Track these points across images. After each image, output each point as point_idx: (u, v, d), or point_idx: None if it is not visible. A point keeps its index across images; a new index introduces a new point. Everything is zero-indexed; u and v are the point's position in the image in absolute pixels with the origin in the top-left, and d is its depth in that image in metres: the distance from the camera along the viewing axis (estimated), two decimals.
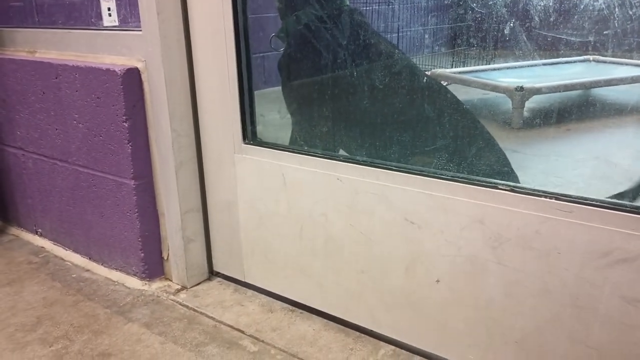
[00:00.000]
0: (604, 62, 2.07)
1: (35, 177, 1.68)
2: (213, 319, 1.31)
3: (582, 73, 2.08)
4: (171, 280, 1.49)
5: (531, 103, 1.93)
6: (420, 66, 1.78)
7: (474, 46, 1.57)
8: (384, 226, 1.12)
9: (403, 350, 1.17)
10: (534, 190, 0.94)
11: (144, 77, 1.33)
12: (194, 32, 1.29)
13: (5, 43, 1.67)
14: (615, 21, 0.96)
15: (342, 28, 1.27)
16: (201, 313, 1.34)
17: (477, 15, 1.17)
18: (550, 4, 1.04)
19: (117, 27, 1.36)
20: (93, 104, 1.40)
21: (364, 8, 1.56)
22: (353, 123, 1.29)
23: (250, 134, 1.30)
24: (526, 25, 1.08)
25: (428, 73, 1.81)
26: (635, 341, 0.88)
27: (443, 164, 1.15)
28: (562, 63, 2.06)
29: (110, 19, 1.36)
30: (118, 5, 1.34)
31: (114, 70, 1.31)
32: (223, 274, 1.50)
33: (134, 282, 1.48)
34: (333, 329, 1.26)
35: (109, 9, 1.35)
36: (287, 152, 1.23)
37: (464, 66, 2.02)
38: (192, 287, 1.46)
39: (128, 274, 1.51)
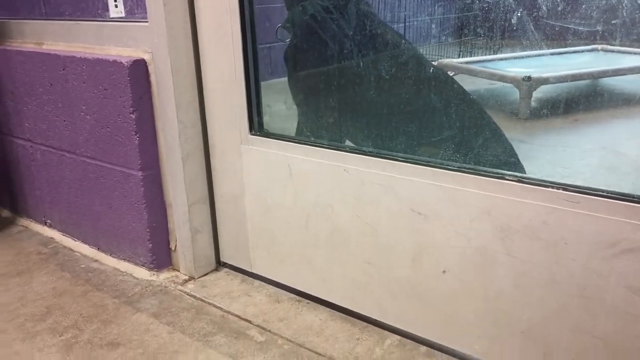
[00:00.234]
0: (612, 51, 2.05)
1: (44, 169, 1.69)
2: (221, 309, 1.32)
3: (590, 63, 2.06)
4: (179, 271, 1.50)
5: (538, 93, 1.92)
6: (427, 56, 1.78)
7: (480, 36, 1.56)
8: (391, 217, 1.12)
9: (409, 340, 1.18)
10: (541, 180, 0.93)
11: (150, 68, 1.33)
12: (200, 23, 1.29)
13: (13, 35, 1.68)
14: (624, 10, 0.95)
15: (348, 18, 1.27)
16: (209, 303, 1.35)
17: (484, 5, 1.16)
18: None
19: (123, 18, 1.36)
20: (100, 96, 1.40)
21: None
22: (359, 114, 1.29)
23: (256, 125, 1.30)
24: (533, 15, 1.07)
25: (435, 63, 1.81)
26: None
27: (449, 154, 1.15)
28: (570, 53, 2.03)
29: (116, 10, 1.36)
30: None
31: (121, 62, 1.31)
32: (230, 265, 1.51)
33: (142, 273, 1.49)
34: (339, 319, 1.26)
35: (115, 0, 1.35)
36: (293, 143, 1.23)
37: (470, 56, 2.01)
38: (199, 277, 1.47)
39: (136, 264, 1.52)
